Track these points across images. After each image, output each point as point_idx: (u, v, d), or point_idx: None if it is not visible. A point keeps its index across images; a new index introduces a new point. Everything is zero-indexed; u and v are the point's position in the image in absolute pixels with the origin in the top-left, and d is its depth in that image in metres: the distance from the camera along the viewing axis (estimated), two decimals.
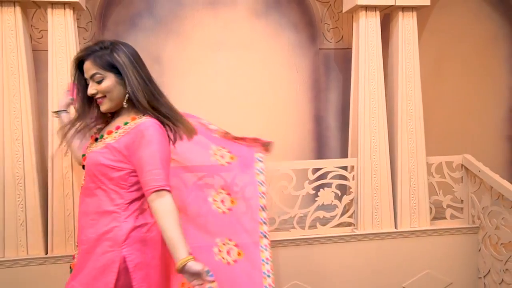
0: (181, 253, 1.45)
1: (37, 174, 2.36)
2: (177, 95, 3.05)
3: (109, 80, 1.63)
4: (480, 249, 2.79)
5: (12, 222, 2.33)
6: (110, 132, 1.66)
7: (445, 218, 2.83)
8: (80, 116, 1.73)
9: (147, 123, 1.60)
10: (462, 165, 2.82)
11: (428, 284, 2.74)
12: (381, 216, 2.70)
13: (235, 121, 3.15)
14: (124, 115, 1.69)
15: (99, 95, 1.64)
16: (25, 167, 2.33)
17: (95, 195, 1.63)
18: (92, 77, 1.62)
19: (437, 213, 2.86)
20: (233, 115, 3.15)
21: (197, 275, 1.43)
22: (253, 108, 3.19)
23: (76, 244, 1.75)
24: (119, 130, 1.64)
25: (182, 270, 1.44)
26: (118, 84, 1.64)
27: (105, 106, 1.66)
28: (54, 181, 2.37)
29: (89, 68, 1.63)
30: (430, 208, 2.80)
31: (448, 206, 2.84)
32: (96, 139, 1.69)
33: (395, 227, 2.73)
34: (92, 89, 1.63)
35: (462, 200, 2.84)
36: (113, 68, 1.63)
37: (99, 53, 1.63)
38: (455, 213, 2.83)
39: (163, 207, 1.50)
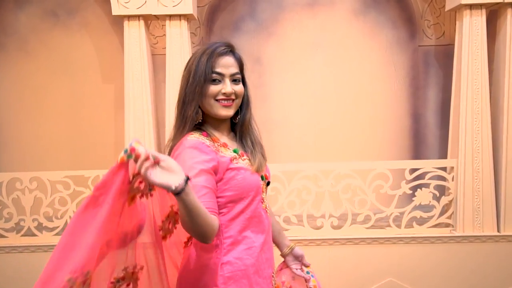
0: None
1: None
2: (275, 94, 3.25)
3: (241, 86, 1.39)
4: None
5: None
6: None
7: None
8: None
9: None
10: None
11: None
12: (482, 219, 2.64)
13: (331, 118, 3.25)
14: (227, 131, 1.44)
15: (232, 97, 1.35)
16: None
17: None
18: (232, 75, 1.36)
19: None
20: (330, 113, 3.26)
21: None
22: (349, 106, 3.26)
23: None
24: None
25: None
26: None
27: (231, 111, 1.37)
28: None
29: (232, 64, 1.36)
30: None
31: None
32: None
33: (498, 231, 2.65)
34: (230, 87, 1.34)
35: None
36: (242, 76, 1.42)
37: (239, 54, 1.41)
38: None
39: None
